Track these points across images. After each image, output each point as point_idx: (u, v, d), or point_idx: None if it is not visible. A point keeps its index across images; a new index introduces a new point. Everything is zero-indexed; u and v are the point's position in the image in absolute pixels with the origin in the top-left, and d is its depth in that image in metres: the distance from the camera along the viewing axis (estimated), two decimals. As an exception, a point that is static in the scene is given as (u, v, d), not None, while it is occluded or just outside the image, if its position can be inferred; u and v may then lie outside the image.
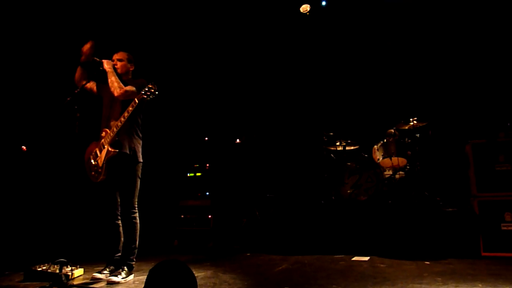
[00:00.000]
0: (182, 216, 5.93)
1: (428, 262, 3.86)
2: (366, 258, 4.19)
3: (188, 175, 6.15)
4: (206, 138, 6.49)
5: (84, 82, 3.68)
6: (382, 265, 3.82)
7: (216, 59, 7.02)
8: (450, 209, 4.59)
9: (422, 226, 4.52)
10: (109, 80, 3.56)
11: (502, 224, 4.24)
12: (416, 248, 4.38)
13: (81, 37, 3.75)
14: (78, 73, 3.68)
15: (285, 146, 6.86)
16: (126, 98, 3.52)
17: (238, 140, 6.66)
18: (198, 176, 6.09)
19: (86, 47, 3.59)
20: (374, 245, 4.58)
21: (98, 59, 3.63)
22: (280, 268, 3.89)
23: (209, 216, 5.78)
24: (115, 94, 3.51)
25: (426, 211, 4.68)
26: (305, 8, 6.62)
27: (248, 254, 4.91)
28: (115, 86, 3.52)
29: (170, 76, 6.44)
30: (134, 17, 6.26)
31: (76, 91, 3.46)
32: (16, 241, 4.99)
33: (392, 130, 5.80)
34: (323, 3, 6.77)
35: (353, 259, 4.22)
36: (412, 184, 5.34)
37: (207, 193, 5.95)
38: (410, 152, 5.41)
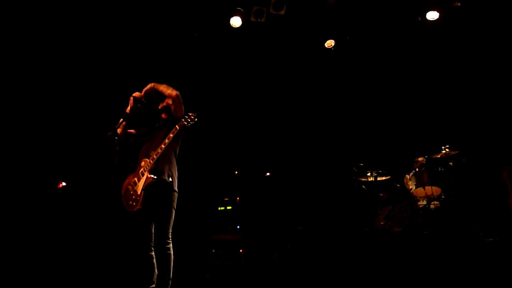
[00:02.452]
0: (214, 251, 5.91)
1: (470, 295, 3.67)
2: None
3: (219, 208, 6.19)
4: (236, 172, 6.57)
5: (126, 133, 3.84)
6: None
7: (245, 93, 7.21)
8: (491, 239, 4.39)
9: (461, 257, 4.33)
10: (160, 88, 3.77)
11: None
12: (457, 281, 4.17)
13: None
14: (122, 127, 3.78)
15: (315, 178, 6.83)
16: (177, 103, 3.73)
17: (267, 173, 6.70)
18: (229, 209, 6.12)
19: (138, 95, 3.79)
20: (412, 279, 4.39)
21: (139, 96, 3.80)
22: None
23: (240, 251, 5.74)
24: (173, 93, 3.74)
25: (465, 241, 4.50)
26: (329, 43, 6.78)
27: (281, 288, 4.82)
28: (170, 88, 3.77)
29: (201, 111, 6.66)
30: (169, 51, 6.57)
31: (116, 127, 3.66)
32: (58, 268, 5.09)
33: (421, 159, 5.71)
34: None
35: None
36: (448, 214, 5.16)
37: (238, 227, 5.95)
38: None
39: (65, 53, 5.82)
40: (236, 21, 6.09)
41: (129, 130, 3.88)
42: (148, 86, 3.83)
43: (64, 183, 5.53)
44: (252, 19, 6.07)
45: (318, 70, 6.98)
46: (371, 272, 4.67)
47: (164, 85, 3.82)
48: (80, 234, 5.49)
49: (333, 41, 6.73)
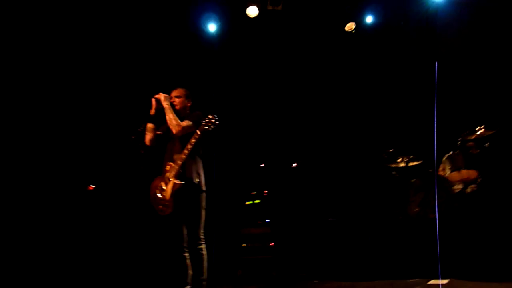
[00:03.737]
0: (244, 245, 5.89)
1: (518, 283, 3.49)
2: (445, 281, 3.87)
3: (247, 203, 6.15)
4: (262, 165, 6.48)
5: (156, 137, 3.79)
6: (464, 289, 3.51)
7: (268, 83, 7.09)
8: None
9: (505, 241, 4.13)
10: (167, 118, 3.68)
11: None
12: (503, 268, 3.98)
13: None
14: (150, 132, 3.73)
15: (342, 167, 6.67)
16: (184, 133, 3.62)
17: (294, 164, 6.59)
18: (257, 203, 6.07)
19: (159, 96, 3.73)
20: (452, 266, 4.23)
21: (161, 98, 3.75)
22: (352, 295, 3.70)
23: (271, 244, 5.70)
24: (174, 131, 3.62)
25: (508, 225, 4.28)
26: (350, 26, 6.55)
27: (315, 281, 4.75)
28: (173, 124, 3.63)
29: (224, 105, 6.59)
30: (188, 51, 6.53)
31: (139, 129, 3.62)
32: (86, 274, 5.19)
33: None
34: (368, 20, 6.60)
35: (430, 282, 3.93)
36: (486, 197, 4.94)
37: (267, 220, 5.89)
38: None
39: (92, 58, 5.88)
40: (252, 11, 5.96)
41: (157, 132, 3.83)
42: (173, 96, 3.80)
43: (93, 186, 5.58)
44: (269, 7, 5.92)
45: (342, 55, 6.77)
46: (408, 261, 4.53)
47: (184, 122, 3.66)
48: (112, 237, 5.56)
49: (353, 24, 6.51)
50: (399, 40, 6.43)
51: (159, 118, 3.76)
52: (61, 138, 5.65)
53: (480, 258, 4.18)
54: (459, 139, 5.46)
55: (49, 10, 5.27)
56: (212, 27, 6.35)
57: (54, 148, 5.57)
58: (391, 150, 5.70)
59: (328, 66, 6.86)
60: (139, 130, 3.63)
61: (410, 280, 4.12)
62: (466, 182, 5.26)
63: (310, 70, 6.95)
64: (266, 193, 6.05)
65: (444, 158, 5.50)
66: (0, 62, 5.12)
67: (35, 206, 5.26)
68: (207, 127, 3.40)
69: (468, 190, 5.24)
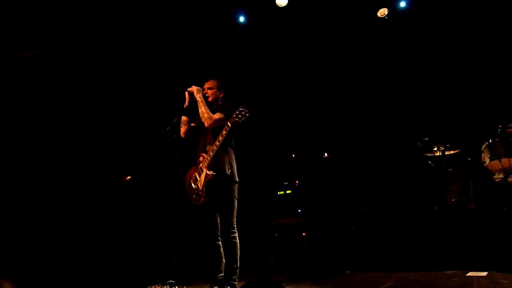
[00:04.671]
0: (276, 235, 5.94)
1: None
2: (484, 274, 3.76)
3: (279, 193, 6.18)
4: (293, 155, 6.48)
5: (190, 129, 3.87)
6: (505, 281, 3.38)
7: (298, 74, 7.05)
8: None
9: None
10: (200, 111, 3.76)
11: None
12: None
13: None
14: (185, 124, 3.82)
15: (376, 157, 6.55)
16: (216, 126, 3.68)
17: (326, 154, 6.54)
18: (289, 193, 6.08)
19: (192, 89, 3.81)
20: (491, 258, 4.10)
21: (193, 91, 3.82)
22: (385, 286, 3.66)
23: (304, 234, 5.71)
24: (206, 125, 3.69)
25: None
26: (382, 12, 6.39)
27: (348, 271, 4.72)
28: (205, 117, 3.70)
29: (255, 96, 6.62)
30: (219, 43, 6.59)
31: (174, 121, 3.71)
32: (128, 262, 5.41)
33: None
34: (402, 4, 6.43)
35: (468, 274, 3.81)
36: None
37: (299, 210, 5.91)
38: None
39: (128, 53, 6.05)
40: (282, 0, 5.94)
41: (192, 124, 3.91)
42: (206, 87, 3.87)
43: (129, 177, 5.77)
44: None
45: (374, 42, 6.61)
46: (446, 252, 4.43)
47: (216, 115, 3.70)
48: (148, 226, 5.76)
49: (386, 9, 6.35)
50: (432, 26, 6.21)
51: (193, 110, 3.84)
52: (100, 130, 5.88)
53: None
54: (499, 126, 5.22)
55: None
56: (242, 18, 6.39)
57: (93, 139, 5.81)
58: (426, 139, 5.53)
59: (360, 54, 6.73)
60: (174, 121, 3.71)
61: (447, 272, 4.02)
62: (507, 171, 5.05)
63: (342, 59, 6.84)
64: (297, 183, 6.05)
65: (483, 147, 5.28)
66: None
67: (77, 195, 5.54)
68: (237, 119, 3.43)
69: (510, 179, 5.02)
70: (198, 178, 3.68)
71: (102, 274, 5.10)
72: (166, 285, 3.67)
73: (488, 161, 5.11)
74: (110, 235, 5.54)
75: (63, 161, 5.54)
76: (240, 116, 3.42)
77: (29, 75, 5.28)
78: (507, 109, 5.14)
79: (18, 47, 5.03)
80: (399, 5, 6.41)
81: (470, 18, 5.94)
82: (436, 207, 5.17)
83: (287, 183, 6.15)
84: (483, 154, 5.29)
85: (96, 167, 5.76)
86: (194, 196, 3.71)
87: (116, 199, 5.73)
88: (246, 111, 3.43)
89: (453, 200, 5.08)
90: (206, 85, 3.93)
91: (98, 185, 5.70)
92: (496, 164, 5.07)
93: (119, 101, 6.04)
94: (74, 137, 5.69)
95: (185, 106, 3.83)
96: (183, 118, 3.84)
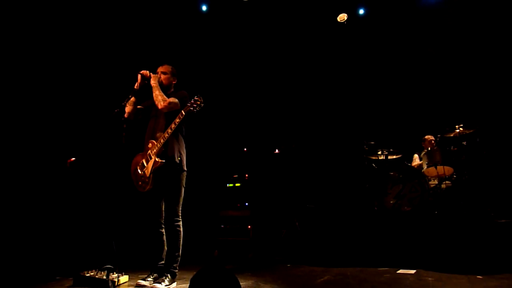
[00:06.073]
0: (222, 226, 5.97)
1: (480, 277, 3.64)
2: (412, 271, 4.02)
3: (228, 185, 6.20)
4: (245, 149, 6.53)
5: (135, 110, 3.79)
6: (430, 279, 3.65)
7: (254, 69, 7.10)
8: (503, 220, 4.33)
9: (472, 238, 4.29)
10: (154, 94, 3.69)
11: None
12: (467, 261, 4.15)
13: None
14: (131, 105, 3.74)
15: (324, 156, 6.77)
16: (169, 110, 3.63)
17: (277, 151, 6.66)
18: (238, 186, 6.13)
19: (145, 73, 3.75)
20: (420, 258, 4.38)
21: (147, 75, 3.76)
22: (322, 279, 3.81)
23: (249, 227, 5.78)
24: (159, 107, 3.63)
25: (476, 222, 4.44)
26: (342, 17, 6.60)
27: (289, 265, 4.85)
28: (159, 99, 3.64)
29: (210, 87, 6.58)
30: (176, 30, 6.47)
31: (123, 103, 3.61)
32: (65, 247, 5.22)
33: (428, 136, 5.62)
34: (361, 11, 6.71)
35: (398, 272, 4.06)
36: (460, 194, 5.10)
37: (246, 204, 5.97)
38: (464, 157, 5.16)
39: (72, 33, 5.78)
40: None
41: (138, 106, 3.83)
42: (160, 71, 3.83)
43: (73, 159, 5.53)
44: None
45: (329, 46, 6.81)
46: (380, 251, 4.67)
47: (171, 99, 3.67)
48: (90, 210, 5.56)
49: (345, 15, 6.56)
50: (386, 34, 6.52)
51: (143, 93, 3.76)
52: (44, 110, 5.58)
53: (446, 251, 4.33)
54: (438, 136, 5.58)
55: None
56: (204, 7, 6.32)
57: (36, 121, 5.51)
58: (372, 143, 5.79)
59: (313, 56, 6.90)
60: (123, 104, 3.62)
61: (380, 268, 4.25)
62: (441, 178, 5.41)
63: (296, 59, 6.98)
64: (247, 176, 6.11)
65: (422, 153, 5.62)
66: None
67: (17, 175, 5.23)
68: (192, 108, 3.40)
69: (443, 186, 5.39)
70: (146, 165, 3.62)
71: (36, 258, 4.87)
72: (103, 270, 3.57)
73: (426, 167, 5.44)
74: (49, 218, 5.30)
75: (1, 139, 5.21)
76: (195, 105, 3.40)
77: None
78: (446, 120, 5.50)
79: None
80: (358, 12, 6.66)
81: (418, 29, 6.29)
82: (375, 208, 5.43)
83: (237, 176, 6.19)
84: (416, 161, 5.63)
85: (39, 147, 5.47)
86: (140, 183, 3.64)
87: (59, 181, 5.48)
88: (202, 101, 3.41)
89: (391, 202, 5.36)
90: (160, 69, 3.86)
91: (40, 166, 5.42)
92: (432, 170, 5.41)
93: (67, 79, 5.76)
94: (16, 114, 5.36)
95: (135, 87, 3.75)
96: (131, 98, 3.76)
